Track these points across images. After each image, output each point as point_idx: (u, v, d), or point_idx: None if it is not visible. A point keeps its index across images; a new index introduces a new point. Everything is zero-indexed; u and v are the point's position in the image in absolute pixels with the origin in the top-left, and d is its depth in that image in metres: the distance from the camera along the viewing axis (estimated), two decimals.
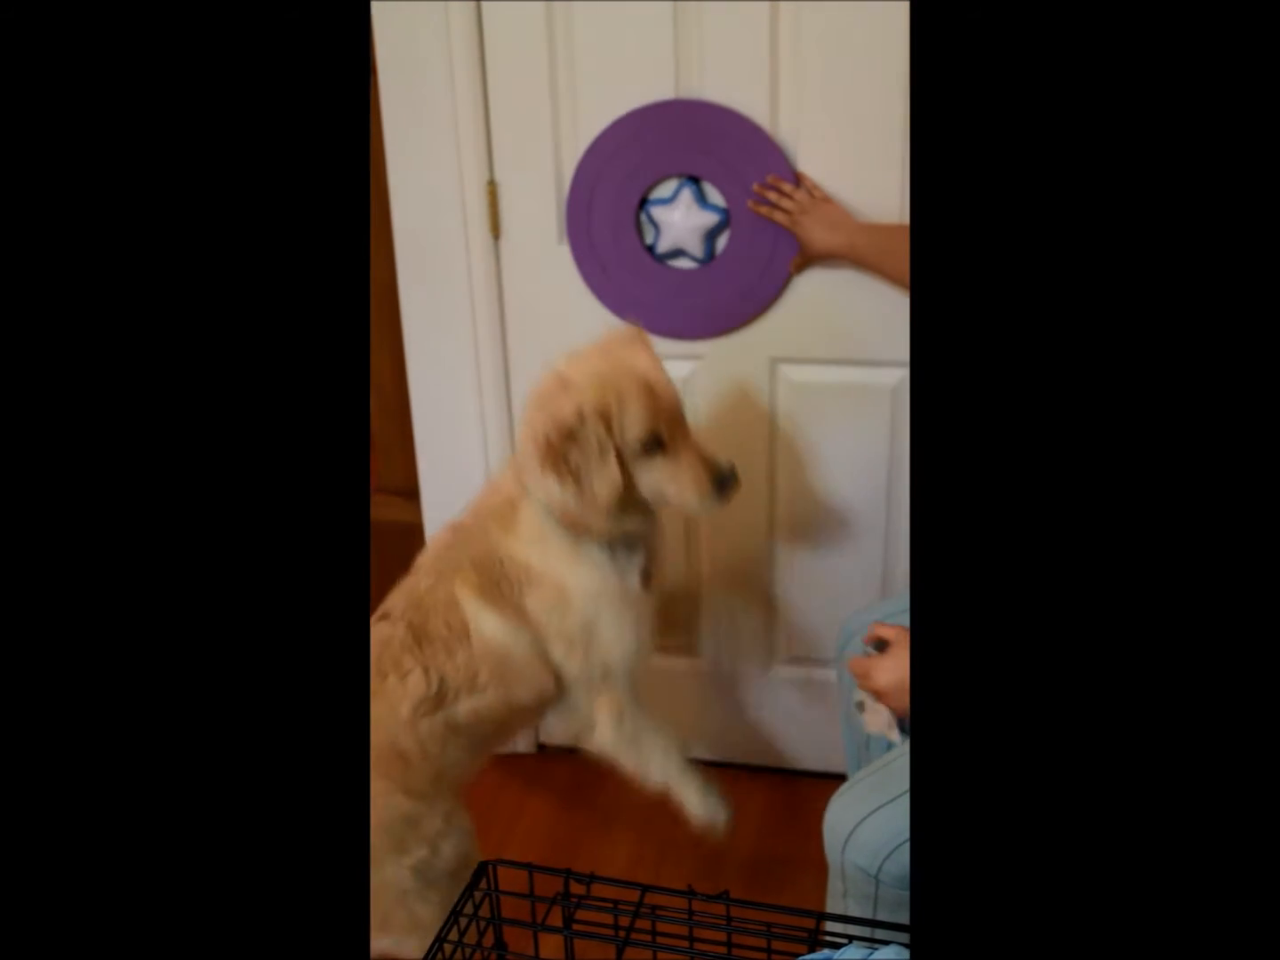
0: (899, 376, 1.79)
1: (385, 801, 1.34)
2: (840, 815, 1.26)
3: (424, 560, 1.49)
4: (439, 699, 1.36)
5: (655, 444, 1.34)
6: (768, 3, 1.62)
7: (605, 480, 1.30)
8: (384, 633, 1.41)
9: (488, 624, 1.39)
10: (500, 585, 1.40)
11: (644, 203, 1.77)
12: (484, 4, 1.71)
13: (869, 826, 1.22)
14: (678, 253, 1.78)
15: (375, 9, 1.74)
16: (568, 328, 1.87)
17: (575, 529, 1.37)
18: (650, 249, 1.79)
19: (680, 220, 1.75)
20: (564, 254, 1.83)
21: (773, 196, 1.69)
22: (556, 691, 1.46)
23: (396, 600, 1.46)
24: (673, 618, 2.04)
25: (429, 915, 1.35)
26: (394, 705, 1.36)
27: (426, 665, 1.37)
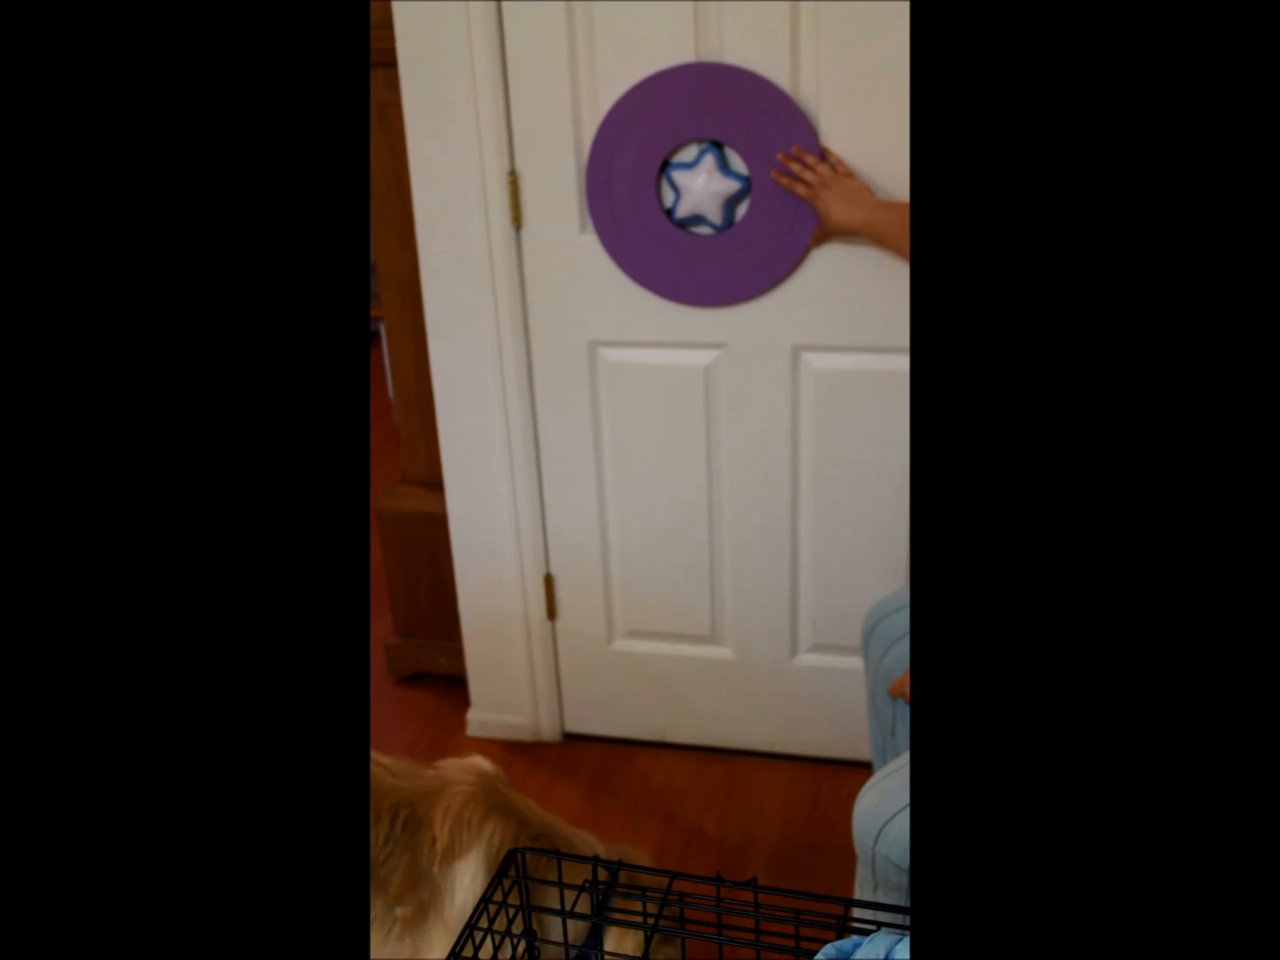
0: None
1: None
2: (872, 809, 1.26)
3: None
4: None
5: None
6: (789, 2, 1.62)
7: None
8: None
9: (470, 875, 1.38)
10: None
11: (665, 166, 1.76)
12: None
13: (902, 821, 1.22)
14: (696, 219, 1.78)
15: (395, 0, 1.74)
16: (590, 319, 1.88)
17: None
18: (669, 213, 1.79)
19: (701, 186, 1.74)
20: (585, 243, 1.83)
21: (795, 168, 1.68)
22: None
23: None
24: (696, 607, 2.05)
25: None
26: None
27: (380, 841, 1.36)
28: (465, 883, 1.31)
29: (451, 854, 1.32)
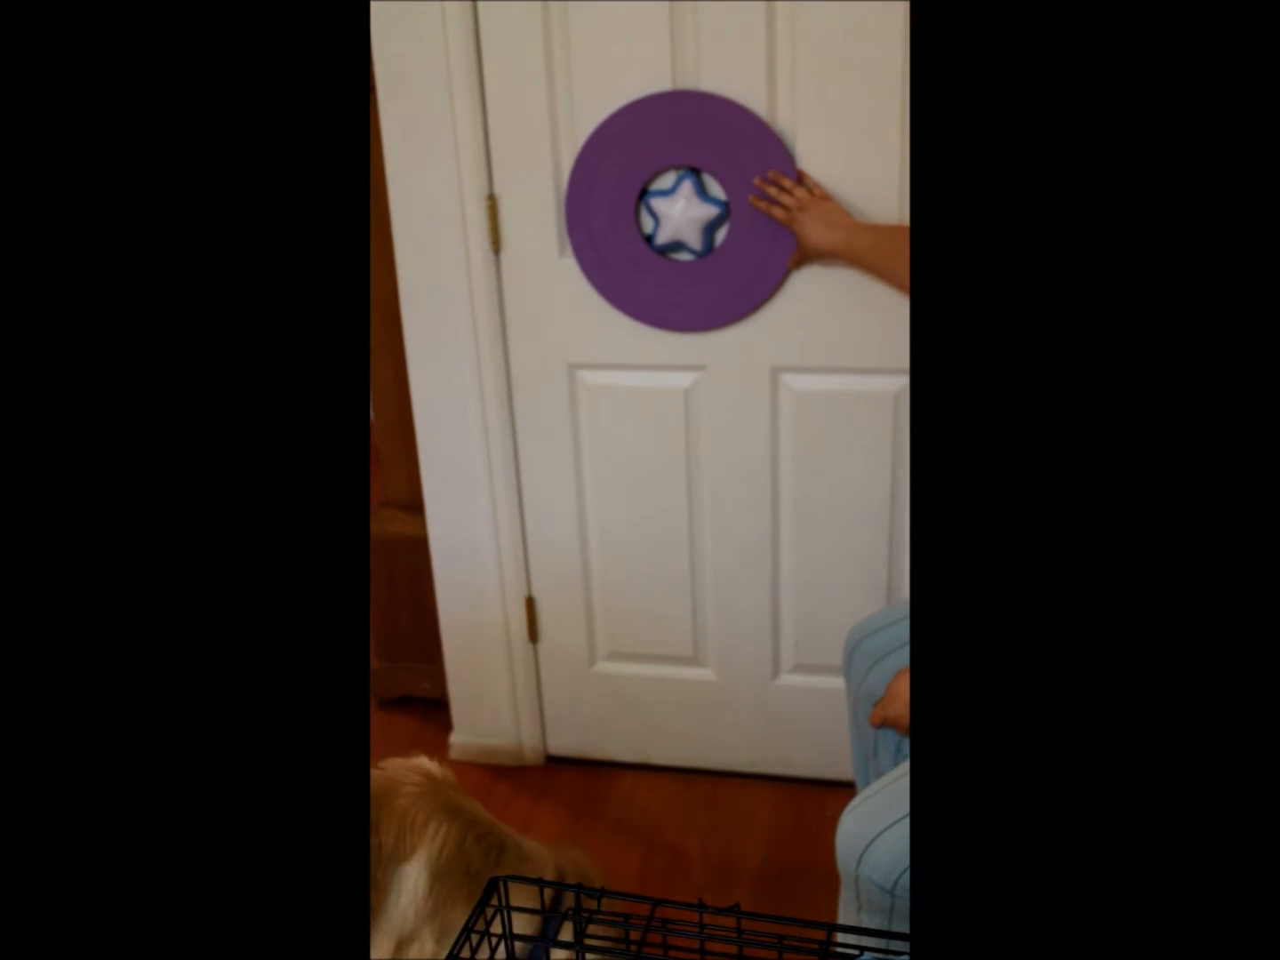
0: (900, 384, 1.80)
1: None
2: (854, 830, 1.26)
3: None
4: None
5: None
6: (764, 2, 1.63)
7: None
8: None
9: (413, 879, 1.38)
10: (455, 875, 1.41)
11: (644, 194, 1.77)
12: (481, 19, 1.72)
13: (884, 842, 1.22)
14: (676, 245, 1.78)
15: (372, 25, 1.75)
16: (569, 341, 1.89)
17: None
18: (649, 240, 1.80)
19: (680, 212, 1.75)
20: (565, 267, 1.84)
21: (772, 192, 1.69)
22: None
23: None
24: (678, 629, 2.05)
25: None
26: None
27: None
28: (409, 885, 1.31)
29: (396, 857, 1.31)
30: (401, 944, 1.35)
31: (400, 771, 1.40)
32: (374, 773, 1.40)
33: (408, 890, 1.31)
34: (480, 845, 1.36)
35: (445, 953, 1.39)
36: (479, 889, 1.33)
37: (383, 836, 1.32)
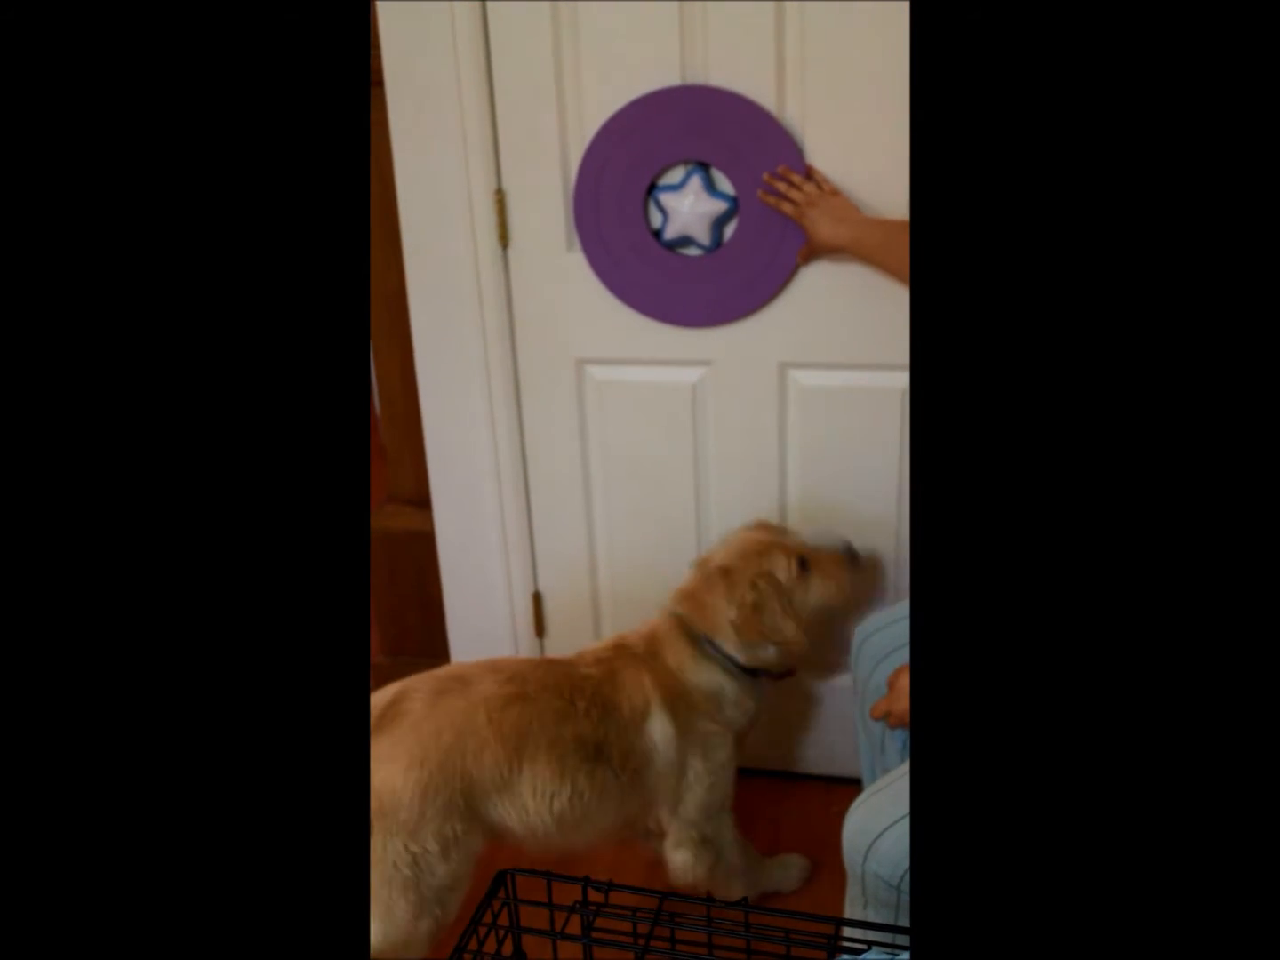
0: (908, 380, 1.79)
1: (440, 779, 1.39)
2: (861, 825, 1.26)
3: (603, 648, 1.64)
4: (585, 757, 1.48)
5: (802, 567, 1.63)
6: (773, 2, 1.63)
7: (791, 624, 1.60)
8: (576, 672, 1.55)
9: (659, 727, 1.55)
10: (679, 702, 1.59)
11: (652, 189, 1.77)
12: (490, 15, 1.72)
13: (890, 837, 1.22)
14: (685, 240, 1.78)
15: (381, 21, 1.75)
16: (577, 337, 1.88)
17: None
18: (657, 235, 1.79)
19: (689, 207, 1.75)
20: (573, 262, 1.83)
21: (781, 187, 1.69)
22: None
23: (591, 652, 1.61)
24: None
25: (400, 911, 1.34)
26: (549, 724, 1.46)
27: (596, 723, 1.49)
28: (659, 735, 1.54)
29: (637, 718, 1.52)
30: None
31: (597, 654, 1.59)
32: (581, 665, 1.57)
33: (658, 739, 1.54)
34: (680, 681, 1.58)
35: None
36: (691, 707, 1.56)
37: (622, 708, 1.51)
